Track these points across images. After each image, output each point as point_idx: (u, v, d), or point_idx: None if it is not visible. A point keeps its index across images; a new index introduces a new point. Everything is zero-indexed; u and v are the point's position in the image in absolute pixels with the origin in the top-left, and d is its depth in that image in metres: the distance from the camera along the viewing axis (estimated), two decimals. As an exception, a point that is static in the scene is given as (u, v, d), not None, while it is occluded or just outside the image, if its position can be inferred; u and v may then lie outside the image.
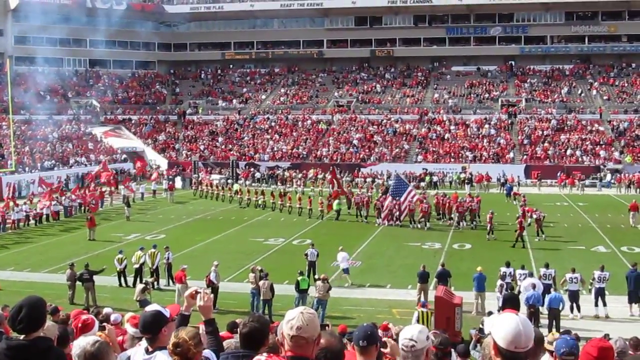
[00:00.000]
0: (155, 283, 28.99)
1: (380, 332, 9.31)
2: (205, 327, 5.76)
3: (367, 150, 76.74)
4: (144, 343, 5.48)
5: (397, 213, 43.76)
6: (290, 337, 4.29)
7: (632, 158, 70.65)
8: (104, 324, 9.80)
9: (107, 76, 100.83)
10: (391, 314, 24.11)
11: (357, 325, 15.33)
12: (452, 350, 10.67)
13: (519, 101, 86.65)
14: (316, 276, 26.73)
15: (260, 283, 24.64)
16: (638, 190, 61.62)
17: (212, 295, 5.99)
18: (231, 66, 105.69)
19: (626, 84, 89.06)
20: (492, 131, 78.78)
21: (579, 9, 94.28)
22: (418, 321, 21.38)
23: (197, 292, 5.82)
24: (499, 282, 24.58)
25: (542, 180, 66.28)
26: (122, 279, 29.71)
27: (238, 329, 5.52)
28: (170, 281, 29.54)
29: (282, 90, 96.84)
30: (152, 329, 5.36)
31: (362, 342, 5.04)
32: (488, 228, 39.49)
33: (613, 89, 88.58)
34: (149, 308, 5.56)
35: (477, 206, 44.54)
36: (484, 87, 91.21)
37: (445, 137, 78.42)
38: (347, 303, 25.96)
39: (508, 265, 25.63)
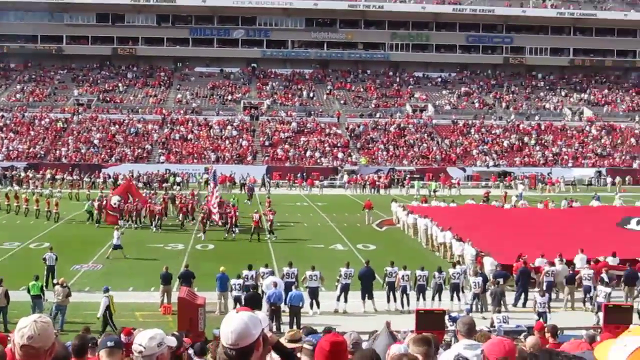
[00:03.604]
0: None
1: (123, 337, 9.14)
2: None
3: (108, 151, 74.97)
4: None
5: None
6: (20, 347, 4.07)
7: (366, 160, 74.34)
8: None
9: None
10: (134, 317, 23.72)
11: (101, 329, 14.82)
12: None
13: (260, 104, 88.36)
14: (55, 280, 25.73)
15: (-6, 289, 23.36)
16: (372, 190, 64.86)
17: None
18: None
19: (362, 89, 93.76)
20: (235, 132, 79.74)
21: (318, 16, 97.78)
22: (108, 307, 22.10)
23: None
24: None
25: (282, 181, 68.38)
26: None
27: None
28: None
29: (18, 86, 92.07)
30: None
31: (109, 343, 5.03)
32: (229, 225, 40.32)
33: (350, 93, 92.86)
34: None
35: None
36: (227, 89, 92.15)
37: (189, 138, 78.38)
38: (88, 308, 25.18)
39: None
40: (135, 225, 43.36)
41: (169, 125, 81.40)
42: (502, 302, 24.82)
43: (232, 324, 3.92)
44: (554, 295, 26.17)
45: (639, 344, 2.74)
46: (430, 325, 18.87)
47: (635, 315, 23.08)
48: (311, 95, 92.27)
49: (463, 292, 26.30)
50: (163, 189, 58.87)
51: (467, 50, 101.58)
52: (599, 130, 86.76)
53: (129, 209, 44.11)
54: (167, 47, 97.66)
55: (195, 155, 74.64)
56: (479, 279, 25.56)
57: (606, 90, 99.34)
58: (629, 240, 35.48)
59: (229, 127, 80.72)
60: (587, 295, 26.11)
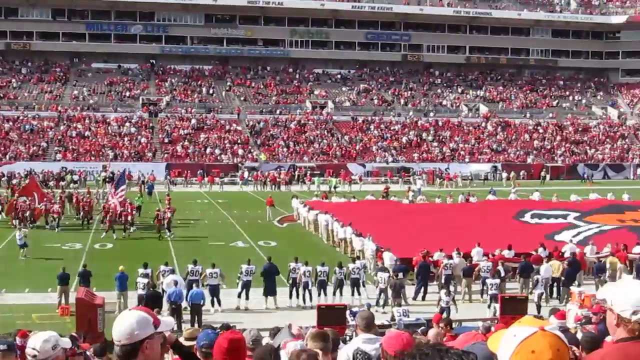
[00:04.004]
0: None
1: (18, 339, 8.92)
2: None
3: (2, 149, 72.84)
4: None
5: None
6: None
7: (266, 156, 74.42)
8: None
9: None
10: (31, 319, 23.14)
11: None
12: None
13: (159, 100, 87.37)
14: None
15: None
16: (273, 186, 64.94)
17: None
18: None
19: (262, 86, 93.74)
20: (133, 129, 78.63)
21: (218, 12, 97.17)
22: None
23: None
24: (140, 280, 24.49)
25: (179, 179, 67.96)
26: None
27: None
28: None
29: None
30: None
31: (1, 347, 4.92)
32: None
33: (249, 90, 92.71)
34: None
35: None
36: (125, 85, 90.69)
37: (86, 135, 76.86)
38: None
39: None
40: (32, 225, 42.25)
41: (65, 122, 79.63)
42: (402, 296, 25.24)
43: (119, 322, 3.95)
44: (452, 288, 26.74)
45: (527, 334, 2.86)
46: (332, 320, 19.09)
47: (531, 306, 23.88)
48: (211, 91, 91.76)
49: (364, 286, 26.61)
50: (60, 188, 57.57)
51: (366, 48, 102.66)
52: (495, 126, 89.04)
53: (22, 208, 42.80)
54: (63, 42, 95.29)
55: (93, 152, 73.30)
56: (385, 275, 25.87)
57: (501, 87, 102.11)
58: (523, 234, 36.56)
59: (127, 124, 79.53)
60: (485, 288, 26.82)
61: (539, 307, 24.50)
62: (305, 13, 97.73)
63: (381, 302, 25.53)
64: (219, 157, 74.51)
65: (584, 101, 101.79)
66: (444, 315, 20.23)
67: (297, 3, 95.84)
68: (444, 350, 2.95)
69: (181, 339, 5.41)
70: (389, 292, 25.56)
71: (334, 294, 26.00)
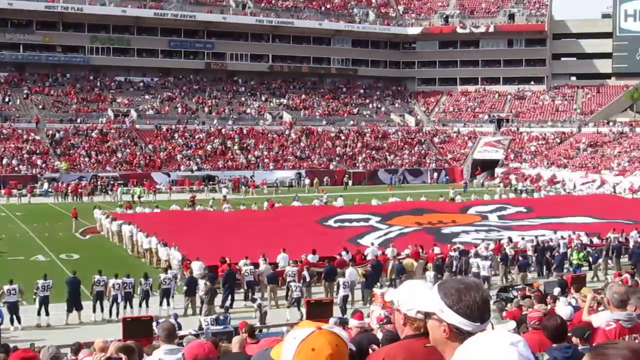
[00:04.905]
0: None
1: None
2: None
3: None
4: None
5: None
6: None
7: (67, 166, 72.22)
8: None
9: None
10: None
11: None
12: None
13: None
14: None
15: None
16: (75, 197, 63.01)
17: None
18: None
19: (61, 94, 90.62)
20: None
21: (13, 17, 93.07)
22: None
23: None
24: None
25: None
26: None
27: None
28: None
29: None
30: None
31: None
32: None
33: (49, 98, 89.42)
34: None
35: None
36: None
37: None
38: None
39: None
40: None
41: None
42: (211, 304, 25.32)
43: None
44: (257, 295, 27.06)
45: (306, 334, 3.01)
46: (138, 332, 18.86)
47: (336, 309, 24.56)
48: (7, 99, 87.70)
49: (173, 297, 26.47)
50: None
51: (169, 55, 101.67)
52: (298, 134, 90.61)
53: None
54: None
55: None
56: (202, 282, 25.95)
57: (304, 95, 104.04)
58: (327, 238, 37.57)
59: None
60: (289, 292, 27.32)
61: (343, 310, 25.18)
62: (106, 19, 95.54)
63: (189, 311, 25.51)
64: (16, 168, 71.47)
65: (383, 109, 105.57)
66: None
67: (98, 9, 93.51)
68: None
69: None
70: (205, 299, 25.55)
71: (140, 305, 25.69)
